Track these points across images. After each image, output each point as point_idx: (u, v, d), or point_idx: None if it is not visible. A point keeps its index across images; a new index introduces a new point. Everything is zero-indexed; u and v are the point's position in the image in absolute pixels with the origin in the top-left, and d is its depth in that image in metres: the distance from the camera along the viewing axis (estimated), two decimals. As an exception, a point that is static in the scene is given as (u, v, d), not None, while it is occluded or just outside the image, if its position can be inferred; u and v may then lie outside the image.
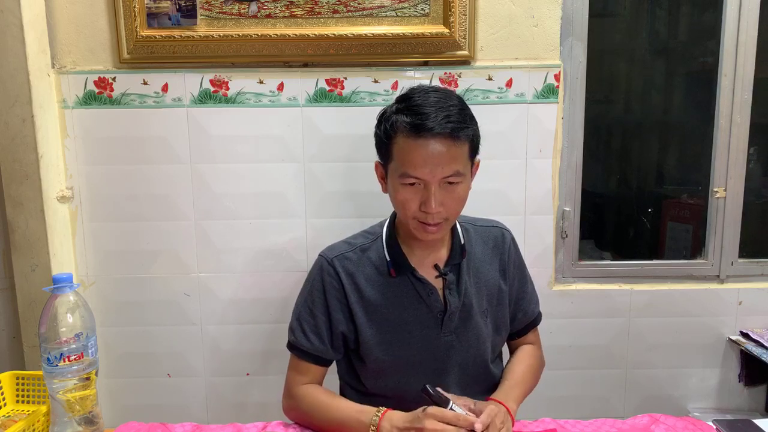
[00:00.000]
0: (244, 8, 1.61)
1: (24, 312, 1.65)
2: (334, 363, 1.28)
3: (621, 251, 2.15)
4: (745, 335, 1.80)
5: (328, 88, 1.66)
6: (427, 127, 1.02)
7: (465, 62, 1.66)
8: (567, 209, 1.78)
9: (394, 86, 1.66)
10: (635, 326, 1.82)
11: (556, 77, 1.68)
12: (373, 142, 1.15)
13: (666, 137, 2.16)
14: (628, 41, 2.15)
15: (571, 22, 1.69)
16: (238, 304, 1.76)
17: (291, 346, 1.20)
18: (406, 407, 1.05)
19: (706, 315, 1.82)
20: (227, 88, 1.66)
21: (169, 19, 1.61)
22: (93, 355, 0.99)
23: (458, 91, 1.66)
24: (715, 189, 1.82)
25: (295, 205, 1.72)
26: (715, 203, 1.83)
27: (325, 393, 1.17)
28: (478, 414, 1.01)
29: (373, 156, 1.16)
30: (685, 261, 1.90)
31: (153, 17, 1.61)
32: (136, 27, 1.60)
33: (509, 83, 1.67)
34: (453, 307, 1.17)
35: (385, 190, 1.16)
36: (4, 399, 1.14)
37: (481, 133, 1.12)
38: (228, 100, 1.66)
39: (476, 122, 1.11)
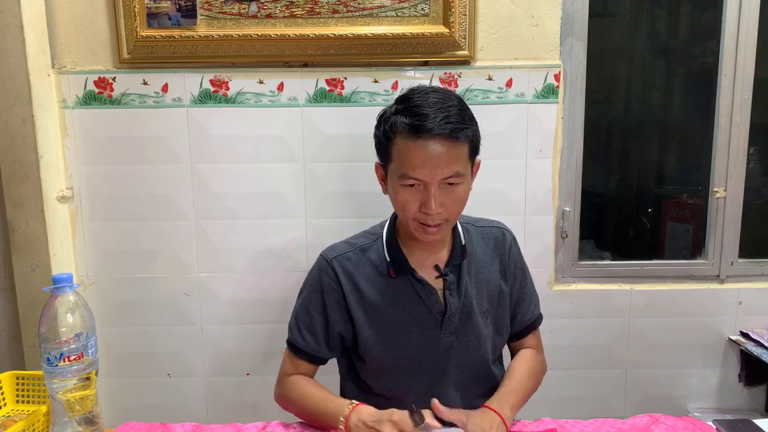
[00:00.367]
0: (244, 8, 1.61)
1: (24, 312, 1.65)
2: (336, 363, 1.29)
3: (621, 251, 2.15)
4: (745, 335, 1.80)
5: (328, 88, 1.66)
6: (426, 128, 1.02)
7: (465, 62, 1.66)
8: (567, 209, 1.78)
9: (394, 86, 1.66)
10: (635, 326, 1.82)
11: (556, 77, 1.68)
12: (373, 143, 1.15)
13: (666, 137, 2.16)
14: (628, 41, 2.15)
15: (571, 22, 1.69)
16: (238, 304, 1.76)
17: (288, 341, 1.23)
18: (406, 408, 1.04)
19: (706, 315, 1.82)
20: (227, 88, 1.66)
21: (169, 19, 1.61)
22: (93, 355, 0.99)
23: (458, 91, 1.66)
24: (715, 189, 1.82)
25: (295, 205, 1.72)
26: (715, 203, 1.83)
27: (311, 383, 1.19)
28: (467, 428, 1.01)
29: (373, 156, 1.16)
30: (685, 261, 1.90)
31: (153, 17, 1.61)
32: (136, 27, 1.60)
33: (509, 83, 1.67)
34: (453, 308, 1.16)
35: (385, 192, 1.16)
36: (4, 399, 1.14)
37: (481, 133, 1.12)
38: (228, 100, 1.66)
39: (476, 123, 1.10)
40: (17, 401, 1.15)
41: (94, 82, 1.64)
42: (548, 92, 1.68)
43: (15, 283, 1.64)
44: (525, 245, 1.70)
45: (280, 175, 1.70)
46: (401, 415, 0.99)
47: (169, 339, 1.77)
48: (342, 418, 1.05)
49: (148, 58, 1.63)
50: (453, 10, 1.59)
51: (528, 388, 1.21)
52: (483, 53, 1.67)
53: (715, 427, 1.10)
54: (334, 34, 1.61)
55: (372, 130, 1.15)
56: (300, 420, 1.17)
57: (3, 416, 1.11)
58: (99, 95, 1.65)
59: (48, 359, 0.95)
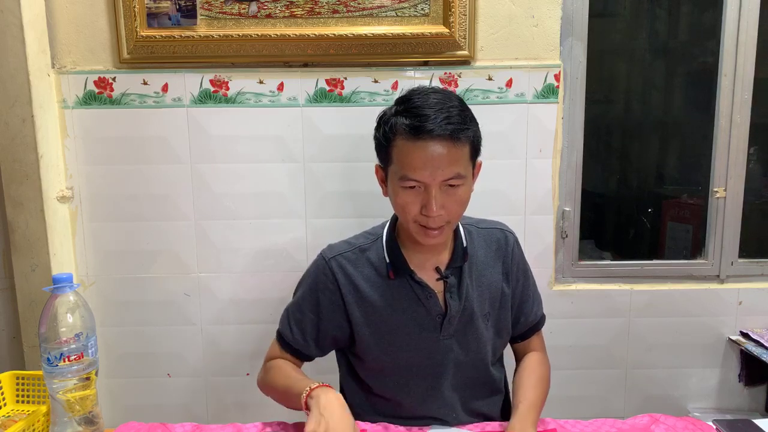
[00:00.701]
0: (244, 8, 1.61)
1: (24, 312, 1.65)
2: (336, 363, 1.29)
3: (621, 251, 2.15)
4: (745, 335, 1.80)
5: (328, 88, 1.66)
6: (426, 129, 1.01)
7: (465, 62, 1.66)
8: (567, 209, 1.78)
9: (394, 86, 1.66)
10: (635, 326, 1.82)
11: (556, 77, 1.67)
12: (373, 144, 1.15)
13: (666, 137, 2.16)
14: (628, 41, 2.15)
15: (571, 22, 1.69)
16: (237, 304, 1.76)
17: (277, 331, 1.24)
18: (406, 409, 1.04)
19: (706, 315, 1.82)
20: (227, 88, 1.66)
21: (169, 19, 1.61)
22: (93, 355, 0.99)
23: (458, 91, 1.66)
24: (715, 189, 1.82)
25: (295, 205, 1.72)
26: (715, 203, 1.83)
27: (291, 367, 1.19)
28: None
29: (373, 156, 1.15)
30: (685, 261, 1.90)
31: (153, 17, 1.61)
32: (136, 27, 1.60)
33: (509, 83, 1.67)
34: (453, 311, 1.15)
35: (385, 194, 1.15)
36: (4, 399, 1.14)
37: (481, 134, 1.11)
38: (228, 100, 1.66)
39: (477, 123, 1.09)
40: (17, 401, 1.15)
41: (94, 82, 1.64)
42: (548, 92, 1.68)
43: (15, 283, 1.64)
44: (525, 245, 1.69)
45: (280, 176, 1.70)
46: None
47: (169, 339, 1.77)
48: (308, 388, 1.02)
49: (148, 58, 1.63)
50: (453, 10, 1.59)
51: (543, 398, 1.18)
52: (483, 53, 1.66)
53: (715, 427, 1.10)
54: (334, 34, 1.61)
55: (372, 131, 1.14)
56: (298, 421, 1.16)
57: (3, 416, 1.11)
58: (99, 95, 1.65)
59: (48, 359, 0.95)
